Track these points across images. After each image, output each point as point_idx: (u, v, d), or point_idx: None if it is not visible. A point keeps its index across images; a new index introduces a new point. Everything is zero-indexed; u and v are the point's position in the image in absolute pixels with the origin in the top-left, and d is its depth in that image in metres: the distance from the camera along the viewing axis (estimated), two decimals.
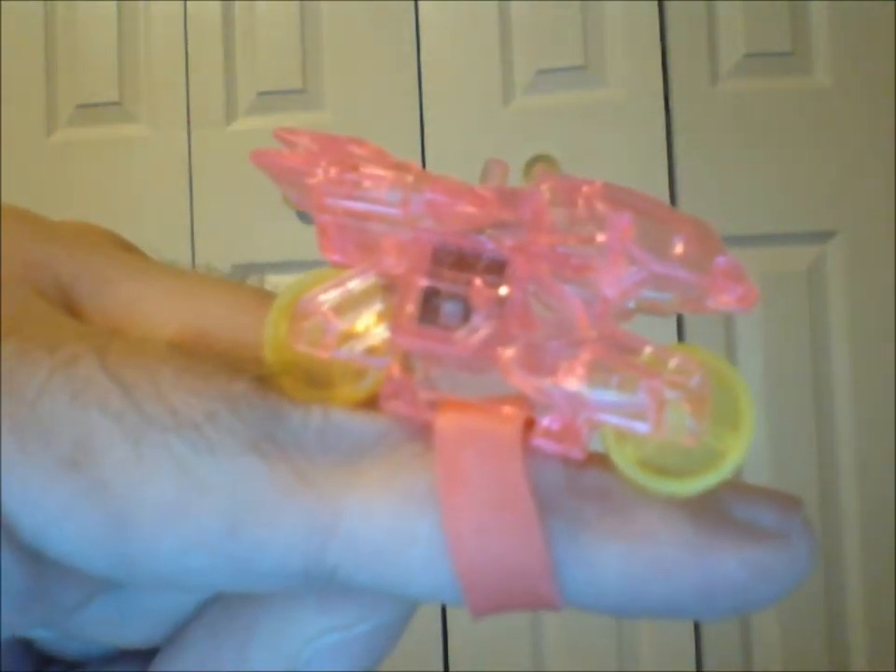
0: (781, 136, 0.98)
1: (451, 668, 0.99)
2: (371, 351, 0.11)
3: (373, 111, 1.04)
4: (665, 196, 0.98)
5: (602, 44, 1.01)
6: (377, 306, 0.11)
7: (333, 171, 0.11)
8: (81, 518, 0.10)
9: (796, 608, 0.95)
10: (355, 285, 0.11)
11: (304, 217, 1.01)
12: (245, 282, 0.15)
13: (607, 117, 1.00)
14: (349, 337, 0.11)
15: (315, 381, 0.11)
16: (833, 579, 0.95)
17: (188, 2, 1.07)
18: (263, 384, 0.11)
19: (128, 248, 0.16)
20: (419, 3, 1.04)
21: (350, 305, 0.11)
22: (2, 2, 1.10)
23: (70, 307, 0.14)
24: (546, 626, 0.98)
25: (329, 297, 0.11)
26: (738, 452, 0.11)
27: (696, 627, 0.96)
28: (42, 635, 0.14)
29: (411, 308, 0.11)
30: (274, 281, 1.05)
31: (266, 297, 0.14)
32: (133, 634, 0.13)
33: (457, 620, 0.99)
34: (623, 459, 0.11)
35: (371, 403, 0.11)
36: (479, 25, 1.03)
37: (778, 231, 0.98)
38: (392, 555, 0.10)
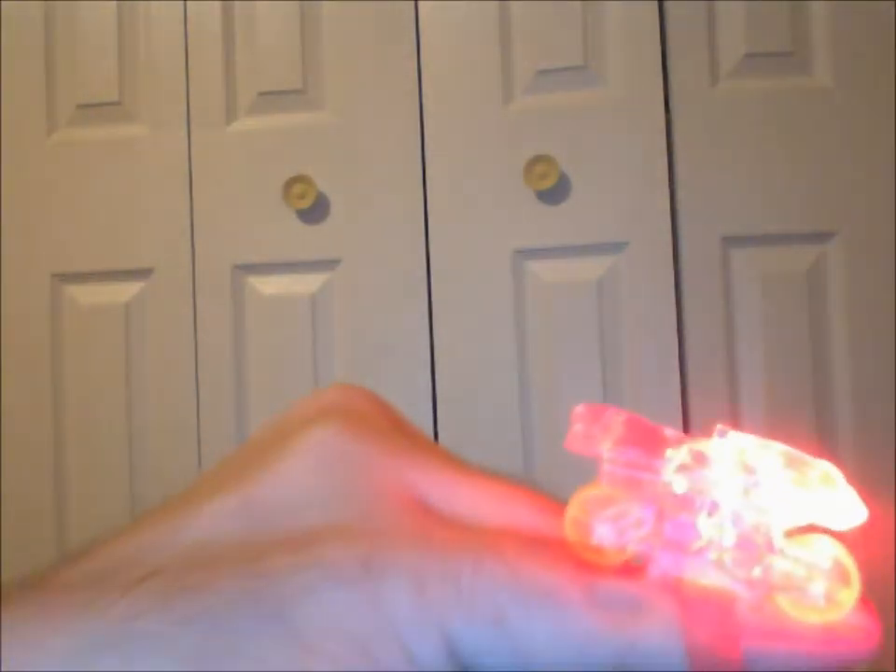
0: (781, 136, 0.98)
1: None
2: (636, 543, 0.19)
3: (373, 111, 1.04)
4: (664, 196, 0.98)
5: (602, 44, 1.01)
6: (641, 524, 0.19)
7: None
8: (501, 653, 0.17)
9: None
10: (632, 511, 0.19)
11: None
12: (521, 484, 0.21)
13: (607, 117, 1.00)
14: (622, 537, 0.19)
15: (598, 553, 0.19)
16: None
17: (188, 2, 1.07)
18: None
19: (396, 421, 0.21)
20: (419, 3, 1.04)
21: (624, 520, 0.19)
22: (2, 2, 1.10)
23: (427, 511, 0.19)
24: None
25: (609, 513, 0.19)
26: (853, 600, 0.18)
27: None
28: None
29: (663, 532, 0.19)
30: (274, 281, 1.05)
31: (529, 490, 0.20)
32: None
33: None
34: (791, 608, 0.18)
35: (626, 567, 0.18)
36: (479, 25, 1.03)
37: (778, 231, 0.98)
38: (655, 655, 0.17)
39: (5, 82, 1.10)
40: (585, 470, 0.21)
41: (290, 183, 1.02)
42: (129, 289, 1.07)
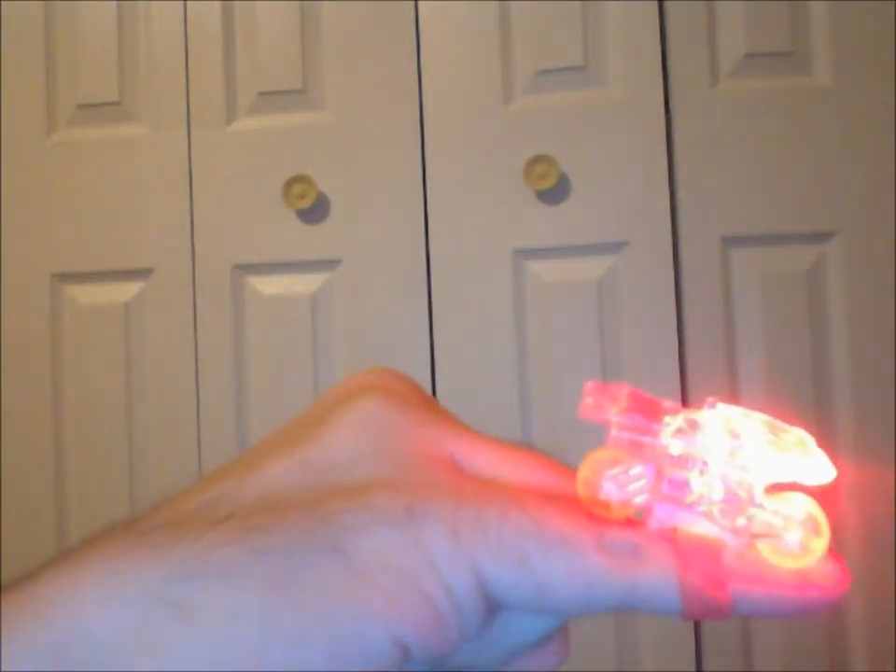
0: (781, 136, 0.98)
1: None
2: (637, 497, 0.22)
3: (373, 111, 1.04)
4: (664, 196, 0.98)
5: (602, 44, 1.01)
6: (641, 481, 0.22)
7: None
8: (524, 589, 0.20)
9: None
10: (634, 470, 0.22)
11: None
12: (533, 449, 0.24)
13: (607, 117, 1.00)
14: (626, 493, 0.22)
15: (606, 508, 0.21)
16: None
17: (188, 2, 1.07)
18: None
19: (429, 400, 0.25)
20: (419, 3, 1.04)
21: (627, 478, 0.22)
22: (2, 2, 1.10)
23: (458, 469, 0.22)
24: None
25: (614, 472, 0.22)
26: (823, 548, 0.21)
27: (696, 627, 0.96)
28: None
29: (660, 488, 0.22)
30: (274, 281, 1.05)
31: (546, 459, 0.23)
32: (480, 658, 0.22)
33: None
34: (770, 555, 0.21)
35: (629, 521, 0.21)
36: (479, 25, 1.03)
37: (778, 231, 0.98)
38: (655, 595, 0.20)
39: (5, 82, 1.10)
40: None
41: (290, 183, 1.02)
42: (129, 289, 1.07)
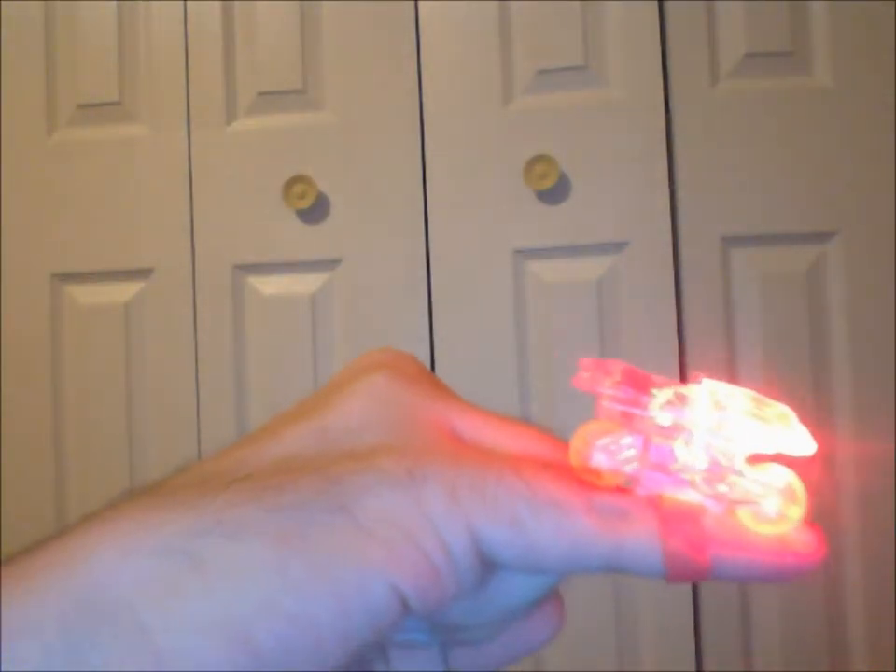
0: (781, 136, 0.98)
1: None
2: (625, 465, 0.23)
3: (373, 111, 1.04)
4: (664, 195, 0.98)
5: (602, 44, 1.01)
6: (630, 451, 0.23)
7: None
8: (516, 548, 0.21)
9: (796, 608, 0.95)
10: (624, 440, 0.23)
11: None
12: (522, 420, 0.25)
13: (607, 117, 1.00)
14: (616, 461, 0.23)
15: (597, 476, 0.22)
16: (833, 579, 0.95)
17: (188, 2, 1.07)
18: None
19: (432, 377, 0.26)
20: (419, 3, 1.04)
21: (617, 448, 0.23)
22: (2, 2, 1.10)
23: (459, 439, 0.24)
24: None
25: (605, 441, 0.23)
26: (800, 516, 0.22)
27: (696, 627, 0.96)
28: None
29: (648, 458, 0.22)
30: (274, 281, 1.05)
31: (541, 432, 0.25)
32: (476, 618, 0.24)
33: None
34: (749, 521, 0.22)
35: (618, 489, 0.22)
36: (479, 25, 1.03)
37: (778, 231, 0.98)
38: (639, 556, 0.21)
39: (5, 82, 1.10)
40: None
41: (290, 183, 1.02)
42: (129, 289, 1.07)
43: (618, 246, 0.99)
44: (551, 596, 0.25)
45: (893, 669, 0.92)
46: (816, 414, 0.95)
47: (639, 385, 0.23)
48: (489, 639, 0.25)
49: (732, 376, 0.96)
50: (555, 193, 1.00)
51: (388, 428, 0.23)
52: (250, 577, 0.19)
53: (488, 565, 0.21)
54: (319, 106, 1.06)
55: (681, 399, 0.23)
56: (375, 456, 0.21)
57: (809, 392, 0.96)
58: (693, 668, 0.95)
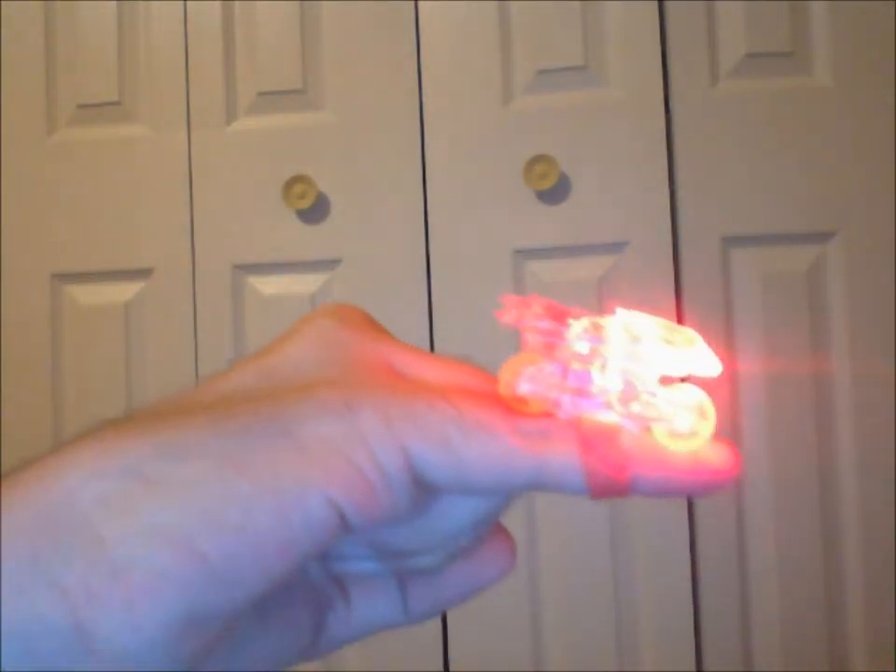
0: (781, 136, 0.98)
1: (451, 668, 0.99)
2: (548, 392, 0.24)
3: (373, 111, 1.04)
4: (664, 195, 0.98)
5: (602, 44, 1.01)
6: (553, 378, 0.24)
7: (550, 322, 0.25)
8: (446, 467, 0.23)
9: (796, 608, 0.95)
10: (546, 368, 0.25)
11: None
12: (460, 358, 0.27)
13: (607, 117, 1.00)
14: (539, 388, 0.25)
15: (524, 403, 0.24)
16: (833, 579, 0.95)
17: (188, 2, 1.07)
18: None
19: (377, 325, 0.28)
20: (419, 3, 1.04)
21: (541, 376, 0.24)
22: (2, 2, 1.10)
23: (396, 373, 0.25)
24: (546, 626, 0.98)
25: (529, 371, 0.25)
26: (710, 431, 0.23)
27: (696, 627, 0.96)
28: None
29: (567, 383, 0.24)
30: (274, 281, 1.05)
31: (476, 368, 0.27)
32: (420, 543, 0.25)
33: (457, 620, 0.99)
34: (663, 438, 0.23)
35: (544, 414, 0.24)
36: (479, 25, 1.03)
37: (778, 231, 0.98)
38: (561, 473, 0.23)
39: (5, 82, 1.10)
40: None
41: (290, 183, 1.02)
42: (129, 289, 1.07)
43: (618, 246, 0.99)
44: (499, 534, 0.27)
45: (893, 669, 0.92)
46: (816, 414, 0.95)
47: (559, 318, 0.25)
48: (438, 569, 0.26)
49: (732, 376, 0.96)
50: (555, 193, 1.00)
51: (330, 365, 0.25)
52: (196, 491, 0.21)
53: (424, 488, 0.23)
54: (319, 106, 1.06)
55: (597, 327, 0.25)
56: (316, 388, 0.23)
57: (809, 392, 0.96)
58: (693, 668, 0.95)
